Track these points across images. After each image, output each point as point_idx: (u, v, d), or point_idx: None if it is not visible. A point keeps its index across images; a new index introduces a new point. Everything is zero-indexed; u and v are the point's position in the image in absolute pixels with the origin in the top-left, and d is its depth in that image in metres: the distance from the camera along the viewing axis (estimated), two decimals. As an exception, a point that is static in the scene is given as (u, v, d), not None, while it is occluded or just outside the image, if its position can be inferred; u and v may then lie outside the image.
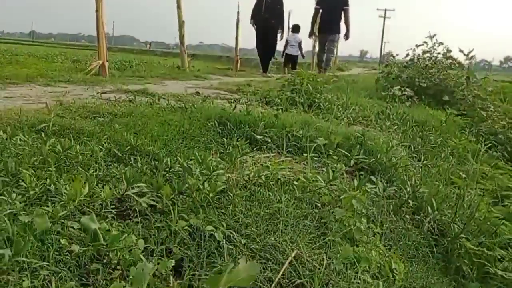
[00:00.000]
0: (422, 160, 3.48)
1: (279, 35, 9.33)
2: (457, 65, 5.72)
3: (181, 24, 7.92)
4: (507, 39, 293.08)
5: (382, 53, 69.09)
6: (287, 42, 10.56)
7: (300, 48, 10.38)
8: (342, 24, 8.80)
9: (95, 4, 5.89)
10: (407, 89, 5.21)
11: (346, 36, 8.97)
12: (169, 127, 2.43)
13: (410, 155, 3.34)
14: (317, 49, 10.11)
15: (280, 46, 10.46)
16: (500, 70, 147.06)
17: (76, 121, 2.44)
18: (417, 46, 5.69)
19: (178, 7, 7.95)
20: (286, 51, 10.57)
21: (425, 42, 5.76)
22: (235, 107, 2.82)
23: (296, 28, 10.64)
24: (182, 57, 7.98)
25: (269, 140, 2.57)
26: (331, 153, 2.47)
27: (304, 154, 2.36)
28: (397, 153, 2.67)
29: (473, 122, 5.51)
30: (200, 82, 6.43)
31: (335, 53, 9.76)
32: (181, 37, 8.02)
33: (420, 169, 2.76)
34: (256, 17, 9.07)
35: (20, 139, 1.93)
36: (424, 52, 5.87)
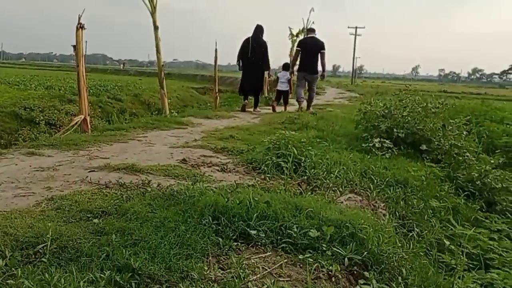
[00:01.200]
0: (406, 227, 3.59)
1: (266, 73, 10.29)
2: (432, 113, 5.91)
3: (160, 68, 7.95)
4: (475, 51, 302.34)
5: (354, 67, 70.98)
6: (277, 78, 11.20)
7: (290, 84, 10.82)
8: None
9: (75, 58, 5.92)
10: (387, 141, 5.36)
11: (322, 76, 10.51)
12: (166, 231, 2.46)
13: (397, 227, 3.45)
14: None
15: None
16: (469, 81, 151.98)
17: (71, 227, 2.44)
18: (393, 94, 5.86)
19: (155, 28, 7.92)
20: (277, 87, 11.05)
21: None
22: (228, 199, 2.85)
23: (285, 66, 11.19)
24: (163, 101, 8.00)
25: (263, 235, 2.62)
26: (325, 249, 2.53)
27: (300, 256, 2.43)
28: (387, 240, 2.75)
29: (451, 170, 5.69)
30: (183, 131, 6.45)
31: (315, 90, 10.65)
32: (161, 79, 8.04)
33: (409, 251, 2.85)
34: (243, 60, 9.80)
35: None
36: (400, 101, 6.07)
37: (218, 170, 4.10)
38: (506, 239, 4.34)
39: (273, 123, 7.38)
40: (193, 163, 4.22)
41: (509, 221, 5.11)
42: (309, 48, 9.81)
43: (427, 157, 5.59)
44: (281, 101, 10.79)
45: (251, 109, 10.15)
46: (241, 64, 9.96)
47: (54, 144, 4.87)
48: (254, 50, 9.68)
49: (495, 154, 8.11)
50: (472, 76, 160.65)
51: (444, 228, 3.92)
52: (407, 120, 5.68)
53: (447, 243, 3.57)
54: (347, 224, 2.75)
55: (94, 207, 2.76)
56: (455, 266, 3.20)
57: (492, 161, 5.61)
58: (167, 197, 3.04)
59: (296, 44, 10.47)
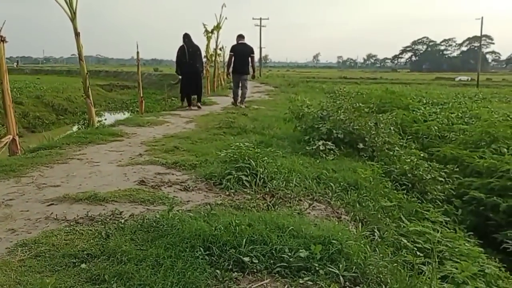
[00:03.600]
0: (368, 229, 3.84)
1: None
2: (366, 113, 6.30)
3: (85, 76, 7.54)
4: (368, 39, 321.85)
5: (261, 57, 72.33)
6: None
7: None
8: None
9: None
10: (329, 143, 5.62)
11: (253, 76, 11.89)
12: (164, 271, 2.41)
13: (362, 232, 3.67)
14: None
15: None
16: (364, 66, 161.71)
17: (62, 277, 2.30)
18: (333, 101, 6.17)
19: (76, 34, 7.50)
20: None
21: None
22: (217, 228, 2.85)
23: None
24: (89, 111, 7.61)
25: (257, 261, 2.67)
26: (317, 268, 2.64)
27: (300, 280, 2.52)
28: (366, 252, 2.94)
29: (385, 164, 6.12)
30: (121, 144, 6.22)
31: (247, 87, 11.83)
32: (86, 88, 7.65)
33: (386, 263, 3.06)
34: (183, 65, 10.61)
35: None
36: (339, 107, 6.40)
37: (180, 189, 4.05)
38: (446, 228, 4.80)
39: (210, 128, 7.37)
40: (152, 184, 4.12)
41: (440, 209, 5.65)
42: (241, 53, 11.13)
43: (364, 155, 5.95)
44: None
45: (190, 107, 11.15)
46: (179, 71, 10.82)
47: (-12, 171, 4.47)
48: (190, 54, 10.52)
49: (407, 141, 8.83)
50: (367, 62, 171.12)
51: (397, 226, 4.23)
52: (344, 121, 5.99)
53: (405, 241, 3.88)
54: (332, 240, 2.89)
55: (77, 250, 2.62)
56: (414, 264, 3.49)
57: (421, 155, 6.10)
58: (148, 229, 2.96)
59: (230, 49, 11.61)
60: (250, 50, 11.28)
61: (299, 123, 6.79)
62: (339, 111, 6.22)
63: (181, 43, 10.62)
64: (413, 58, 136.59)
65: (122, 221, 3.13)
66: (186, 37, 10.73)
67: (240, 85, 11.43)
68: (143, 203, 3.58)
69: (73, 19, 7.20)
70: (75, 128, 21.88)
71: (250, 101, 12.86)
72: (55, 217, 3.17)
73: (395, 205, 4.57)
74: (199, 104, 11.24)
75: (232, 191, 4.03)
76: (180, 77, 11.20)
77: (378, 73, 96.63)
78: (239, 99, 11.53)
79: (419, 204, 5.17)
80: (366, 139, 6.01)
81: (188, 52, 10.51)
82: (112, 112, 28.97)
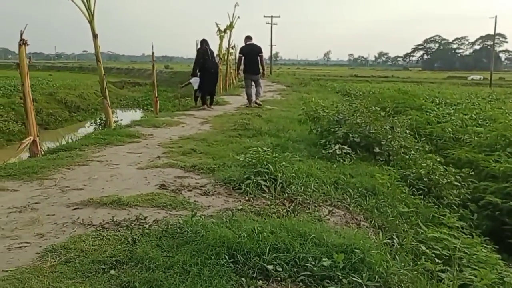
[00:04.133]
0: (387, 236, 3.86)
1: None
2: (382, 116, 6.31)
3: (102, 77, 7.63)
4: (380, 36, 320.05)
5: (271, 55, 72.20)
6: (189, 83, 12.04)
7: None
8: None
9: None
10: (345, 147, 5.64)
11: (263, 74, 12.14)
12: (192, 279, 2.47)
13: (383, 240, 3.70)
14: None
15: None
16: (376, 64, 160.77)
17: (94, 284, 2.37)
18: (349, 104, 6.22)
19: (94, 36, 7.59)
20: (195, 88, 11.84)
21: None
22: (240, 235, 2.90)
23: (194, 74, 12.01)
24: (107, 112, 7.70)
25: (281, 270, 2.72)
26: (341, 277, 2.68)
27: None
28: (388, 260, 2.97)
29: (400, 168, 6.13)
30: (138, 146, 6.30)
31: (261, 86, 12.28)
32: (103, 89, 7.73)
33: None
34: (206, 64, 10.96)
35: None
36: (355, 110, 6.42)
37: (200, 194, 4.10)
38: (463, 234, 4.80)
39: (226, 130, 7.42)
40: (173, 188, 4.18)
41: (456, 214, 5.65)
42: (250, 54, 11.53)
43: (380, 159, 5.96)
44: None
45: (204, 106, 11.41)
46: (198, 72, 11.18)
47: (12, 174, 4.56)
48: (209, 61, 11.06)
49: (421, 143, 8.80)
50: (379, 60, 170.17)
51: (415, 232, 4.24)
52: (360, 125, 6.00)
53: (423, 248, 3.89)
54: (354, 249, 2.92)
55: (105, 256, 2.68)
56: (435, 271, 3.51)
57: (438, 159, 6.09)
58: (172, 235, 3.02)
59: (238, 51, 12.47)
60: (258, 50, 11.65)
61: (315, 126, 6.81)
62: (355, 115, 6.23)
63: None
64: (425, 57, 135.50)
65: (147, 226, 3.20)
66: (205, 42, 11.27)
67: (253, 84, 11.81)
68: (165, 208, 3.64)
69: (91, 21, 7.28)
70: (87, 125, 22.15)
71: (263, 101, 12.90)
72: (82, 222, 3.24)
73: (413, 211, 4.58)
74: (211, 106, 11.57)
75: (252, 196, 4.08)
76: (190, 80, 11.58)
77: (390, 71, 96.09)
78: (254, 97, 11.83)
79: (435, 209, 5.17)
80: (382, 142, 6.02)
81: (210, 52, 11.09)
82: (124, 109, 29.18)
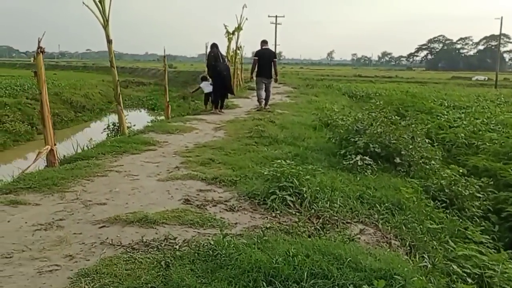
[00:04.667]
0: (418, 255, 3.77)
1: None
2: (403, 126, 6.21)
3: (116, 83, 7.56)
4: (383, 36, 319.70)
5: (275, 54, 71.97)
6: (199, 88, 12.79)
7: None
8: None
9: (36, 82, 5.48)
10: (367, 158, 5.55)
11: (275, 80, 12.24)
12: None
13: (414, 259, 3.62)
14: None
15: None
16: (379, 64, 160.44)
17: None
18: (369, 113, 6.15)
19: (109, 42, 7.51)
20: (205, 92, 12.18)
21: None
22: (276, 260, 2.81)
23: (203, 78, 12.43)
24: (120, 118, 7.62)
25: (321, 297, 2.64)
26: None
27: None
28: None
29: (420, 178, 6.04)
30: (154, 154, 6.23)
31: (271, 91, 12.29)
32: (117, 95, 7.66)
33: None
34: (218, 67, 11.01)
35: None
36: (374, 119, 6.33)
37: (225, 209, 4.02)
38: (488, 248, 4.70)
39: (241, 137, 7.34)
40: (197, 203, 4.10)
41: (478, 226, 5.55)
42: (265, 58, 11.62)
43: (401, 170, 5.87)
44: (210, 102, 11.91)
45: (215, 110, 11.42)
46: (211, 74, 11.36)
47: (33, 186, 4.49)
48: (221, 64, 11.14)
49: (435, 149, 8.69)
50: (382, 60, 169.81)
51: (444, 250, 4.15)
52: (380, 134, 5.91)
53: (455, 267, 3.81)
54: (394, 275, 2.84)
55: (140, 282, 2.60)
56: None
57: (460, 171, 6.00)
58: (205, 258, 2.94)
59: (254, 54, 12.26)
60: (273, 55, 11.94)
61: (333, 135, 6.72)
62: (375, 124, 6.14)
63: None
64: (429, 57, 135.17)
65: (177, 247, 3.12)
66: (215, 46, 11.35)
67: (264, 88, 11.88)
68: (192, 226, 3.56)
69: (105, 26, 7.21)
70: (93, 125, 22.11)
71: (272, 104, 12.84)
72: (111, 242, 3.16)
73: (442, 227, 4.49)
74: (222, 110, 11.57)
75: (278, 212, 3.99)
76: (200, 85, 11.88)
77: (393, 71, 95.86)
78: (263, 102, 11.95)
79: (460, 223, 5.08)
80: (402, 152, 5.93)
81: (221, 56, 11.22)
82: (129, 109, 29.10)
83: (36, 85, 5.61)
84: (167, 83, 10.38)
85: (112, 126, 7.98)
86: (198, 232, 3.45)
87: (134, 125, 8.05)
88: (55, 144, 5.57)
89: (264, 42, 12.01)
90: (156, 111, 26.36)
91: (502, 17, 49.27)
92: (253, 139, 7.12)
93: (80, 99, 26.58)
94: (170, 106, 10.64)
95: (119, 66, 68.13)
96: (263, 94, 11.86)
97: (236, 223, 3.72)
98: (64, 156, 6.19)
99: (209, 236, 3.37)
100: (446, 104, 17.96)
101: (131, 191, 4.45)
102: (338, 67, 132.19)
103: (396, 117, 6.61)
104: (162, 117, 21.11)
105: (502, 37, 59.84)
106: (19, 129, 17.59)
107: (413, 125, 6.64)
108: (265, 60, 11.56)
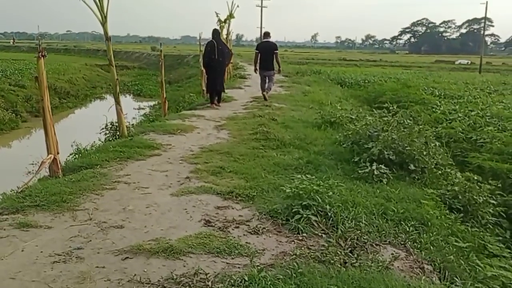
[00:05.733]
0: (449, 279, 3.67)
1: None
2: (417, 132, 6.06)
3: (115, 82, 7.25)
4: (367, 19, 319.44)
5: (261, 36, 71.21)
6: None
7: None
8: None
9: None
10: (382, 166, 5.42)
11: (279, 70, 12.73)
12: None
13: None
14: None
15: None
16: (363, 47, 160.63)
17: None
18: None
19: (107, 39, 7.20)
20: None
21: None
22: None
23: None
24: (119, 118, 7.33)
25: None
26: None
27: None
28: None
29: (434, 184, 5.94)
30: (160, 160, 6.00)
31: (273, 82, 12.83)
32: (116, 94, 7.36)
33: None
34: (211, 62, 10.75)
35: None
36: (385, 123, 6.19)
37: (249, 232, 3.84)
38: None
39: (247, 140, 7.13)
40: (219, 225, 3.92)
41: (492, 233, 5.49)
42: (266, 51, 12.01)
43: (416, 177, 5.75)
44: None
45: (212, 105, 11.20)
46: (205, 66, 11.19)
47: (41, 204, 4.24)
48: (219, 52, 10.73)
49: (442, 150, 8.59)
50: (366, 43, 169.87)
51: (471, 269, 4.06)
52: (394, 140, 5.77)
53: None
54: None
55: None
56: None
57: (475, 178, 5.90)
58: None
59: (255, 48, 12.73)
60: (273, 48, 12.09)
61: (343, 139, 6.56)
62: (389, 129, 5.99)
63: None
64: (412, 40, 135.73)
65: (209, 283, 2.94)
66: (216, 33, 11.12)
67: (267, 80, 12.34)
68: (220, 255, 3.38)
69: (104, 23, 6.86)
70: (78, 112, 21.57)
71: (268, 96, 12.63)
72: (139, 280, 2.96)
73: (469, 245, 4.39)
74: (219, 104, 11.39)
75: (304, 234, 3.84)
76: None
77: (377, 54, 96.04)
78: (266, 90, 12.31)
79: (480, 234, 5.00)
80: (417, 158, 5.80)
81: (218, 50, 10.70)
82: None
83: (38, 90, 5.30)
84: (163, 83, 9.97)
85: (110, 126, 7.67)
86: (227, 263, 3.27)
87: (126, 114, 7.68)
88: (58, 153, 5.29)
89: (266, 35, 12.47)
90: (143, 96, 25.89)
91: (487, 2, 49.39)
92: (259, 142, 6.92)
93: (64, 85, 25.93)
94: (167, 102, 10.31)
95: (102, 49, 66.41)
96: (264, 85, 12.30)
97: (263, 249, 3.55)
98: (65, 162, 5.91)
99: (239, 267, 3.22)
100: (437, 93, 17.90)
101: (146, 209, 4.24)
102: (322, 50, 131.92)
103: (408, 120, 6.47)
104: (151, 103, 20.86)
105: (484, 20, 60.22)
106: (3, 117, 16.97)
107: (422, 127, 6.50)
108: (266, 53, 11.95)
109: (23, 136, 16.10)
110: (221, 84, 11.38)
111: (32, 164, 9.56)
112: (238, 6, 17.11)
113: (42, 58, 5.07)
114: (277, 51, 12.11)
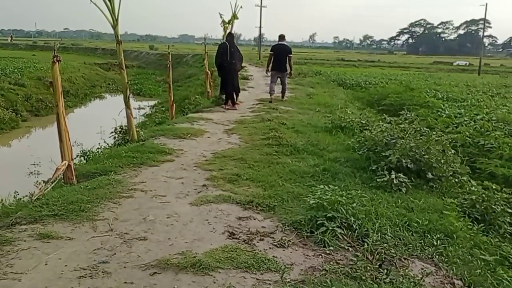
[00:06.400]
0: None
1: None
2: (435, 140, 5.99)
3: (125, 86, 7.16)
4: (365, 20, 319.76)
5: (260, 37, 70.94)
6: None
7: None
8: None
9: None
10: (401, 175, 5.35)
11: (290, 74, 12.83)
12: None
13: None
14: None
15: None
16: (361, 48, 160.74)
17: None
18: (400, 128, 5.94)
19: (118, 42, 7.10)
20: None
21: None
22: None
23: None
24: (129, 122, 7.23)
25: None
26: None
27: None
28: None
29: (451, 192, 5.87)
30: (174, 166, 5.91)
31: (286, 83, 13.00)
32: (126, 98, 7.26)
33: None
34: (224, 63, 10.92)
35: None
36: (401, 130, 6.12)
37: (274, 245, 3.77)
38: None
39: (259, 145, 7.04)
40: (243, 238, 3.84)
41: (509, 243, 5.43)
42: (280, 53, 12.25)
43: (434, 186, 5.68)
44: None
45: (225, 106, 11.31)
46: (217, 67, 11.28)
47: (59, 214, 4.14)
48: (231, 54, 10.91)
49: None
50: (364, 43, 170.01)
51: (498, 283, 3.99)
52: (411, 148, 5.70)
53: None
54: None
55: None
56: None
57: (494, 187, 5.84)
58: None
59: (270, 49, 12.95)
60: (288, 51, 12.30)
61: (358, 145, 6.49)
62: (406, 137, 5.92)
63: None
64: (410, 41, 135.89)
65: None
66: (230, 35, 11.62)
67: (279, 81, 12.54)
68: (248, 270, 3.30)
69: (115, 26, 6.76)
70: (78, 111, 21.41)
71: (273, 98, 12.56)
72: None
73: (496, 259, 4.31)
74: (234, 106, 11.32)
75: (331, 248, 3.76)
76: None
77: (375, 55, 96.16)
78: (274, 94, 12.45)
79: (503, 246, 4.93)
80: (434, 166, 5.73)
81: (230, 52, 10.88)
82: (113, 94, 28.41)
83: (52, 96, 5.20)
84: (171, 86, 9.89)
85: (120, 130, 7.58)
86: (257, 279, 3.20)
87: (136, 118, 7.62)
88: (72, 159, 5.20)
89: (281, 38, 12.55)
90: (143, 96, 25.79)
91: (486, 4, 49.50)
92: (272, 147, 6.83)
93: (64, 84, 25.43)
94: (174, 105, 10.22)
95: (100, 47, 65.89)
96: (275, 87, 12.45)
97: (291, 264, 3.48)
98: (76, 168, 5.80)
99: (269, 283, 3.14)
100: (440, 96, 17.86)
101: (167, 220, 4.15)
102: (320, 50, 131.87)
103: (425, 128, 6.39)
104: (151, 103, 20.72)
105: (482, 22, 60.29)
106: (3, 116, 16.82)
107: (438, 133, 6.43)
108: (280, 55, 12.20)
109: (24, 136, 15.97)
110: (234, 85, 11.43)
111: (34, 164, 9.52)
112: (241, 7, 16.99)
113: (57, 63, 4.96)
114: (291, 55, 12.34)
